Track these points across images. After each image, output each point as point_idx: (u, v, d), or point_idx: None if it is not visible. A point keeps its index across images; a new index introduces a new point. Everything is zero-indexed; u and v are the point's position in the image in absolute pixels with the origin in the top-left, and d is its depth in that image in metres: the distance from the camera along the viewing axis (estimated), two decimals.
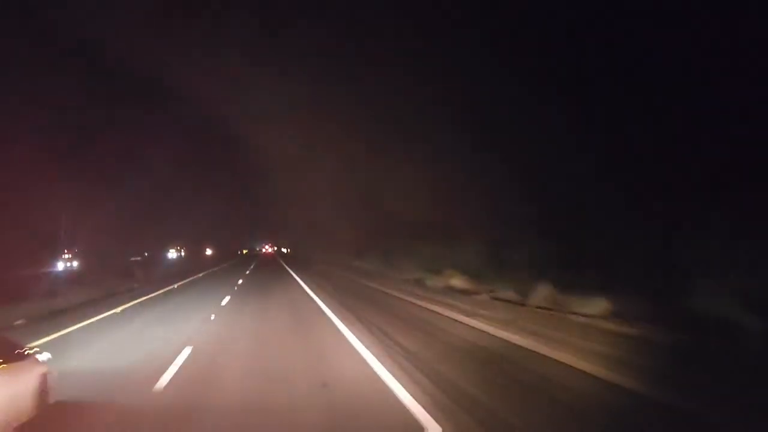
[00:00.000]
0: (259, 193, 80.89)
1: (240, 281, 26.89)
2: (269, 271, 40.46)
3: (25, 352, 5.96)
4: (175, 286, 24.65)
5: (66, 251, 35.54)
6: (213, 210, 75.19)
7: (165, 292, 21.89)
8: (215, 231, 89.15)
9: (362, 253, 39.06)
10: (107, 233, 40.95)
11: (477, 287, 16.97)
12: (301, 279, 27.74)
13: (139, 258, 46.09)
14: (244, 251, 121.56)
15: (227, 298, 17.75)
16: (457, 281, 18.32)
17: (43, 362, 6.20)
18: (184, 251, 71.66)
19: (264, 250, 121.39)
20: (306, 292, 20.15)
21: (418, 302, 14.72)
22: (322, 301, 16.66)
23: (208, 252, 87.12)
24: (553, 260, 15.25)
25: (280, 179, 56.99)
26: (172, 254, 62.71)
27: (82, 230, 35.00)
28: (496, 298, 14.45)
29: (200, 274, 35.28)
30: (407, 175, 26.10)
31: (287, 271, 38.72)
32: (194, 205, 65.10)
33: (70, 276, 26.38)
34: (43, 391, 5.88)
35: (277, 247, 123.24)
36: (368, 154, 29.83)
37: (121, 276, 26.84)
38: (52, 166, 30.85)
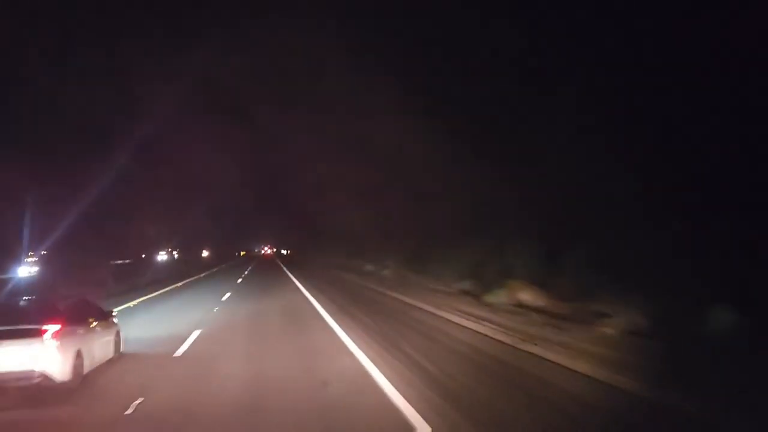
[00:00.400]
0: (259, 192, 76.10)
1: (227, 295, 20.87)
2: (267, 275, 36.75)
3: (110, 315, 9.30)
4: (138, 301, 19.39)
5: (31, 254, 30.15)
6: (211, 209, 68.81)
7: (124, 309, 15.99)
8: (213, 231, 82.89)
9: (372, 254, 33.86)
10: (92, 235, 35.12)
11: (563, 305, 11.77)
12: (305, 287, 23.60)
13: (127, 261, 40.30)
14: (242, 253, 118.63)
15: (195, 333, 11.50)
16: (528, 295, 13.14)
17: (117, 323, 9.43)
18: (178, 253, 65.62)
19: (263, 252, 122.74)
20: (316, 310, 15.49)
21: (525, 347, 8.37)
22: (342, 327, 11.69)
23: (205, 254, 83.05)
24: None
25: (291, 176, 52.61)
26: (162, 257, 56.30)
27: (54, 231, 29.47)
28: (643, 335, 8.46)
29: (186, 280, 31.50)
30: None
31: (287, 274, 36.09)
32: (191, 204, 59.13)
33: (19, 286, 21.07)
34: (117, 342, 9.22)
35: (276, 248, 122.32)
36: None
37: (89, 284, 21.82)
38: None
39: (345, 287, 23.55)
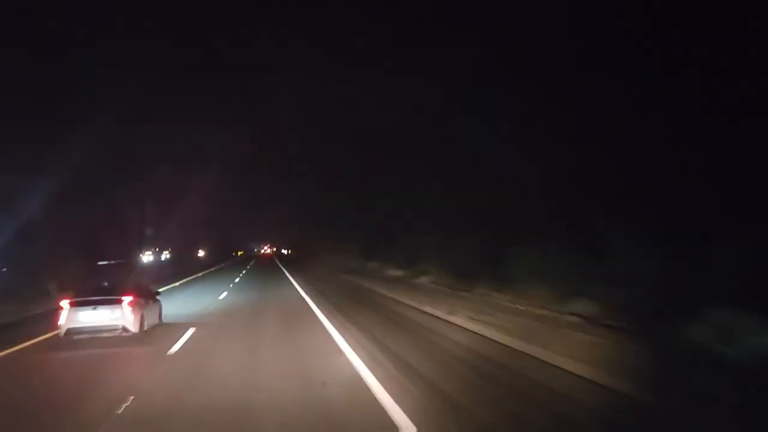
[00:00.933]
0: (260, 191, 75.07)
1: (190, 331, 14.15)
2: (266, 286, 28.39)
3: (156, 296, 14.02)
4: None
5: None
6: (207, 209, 64.38)
7: None
8: (210, 231, 79.88)
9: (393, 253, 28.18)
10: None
11: None
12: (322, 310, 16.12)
13: (111, 262, 34.25)
14: (239, 253, 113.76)
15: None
16: None
17: (160, 301, 14.18)
18: (170, 253, 61.21)
19: (263, 251, 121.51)
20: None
21: None
22: None
23: (201, 253, 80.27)
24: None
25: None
26: (147, 258, 50.92)
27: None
28: None
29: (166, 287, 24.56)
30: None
31: (289, 280, 31.52)
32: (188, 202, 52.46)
33: None
34: (160, 314, 13.93)
35: (276, 248, 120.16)
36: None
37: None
38: None
39: (377, 308, 15.98)
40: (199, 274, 40.75)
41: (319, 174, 45.32)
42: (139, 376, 8.46)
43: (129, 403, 6.41)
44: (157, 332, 12.56)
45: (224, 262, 70.20)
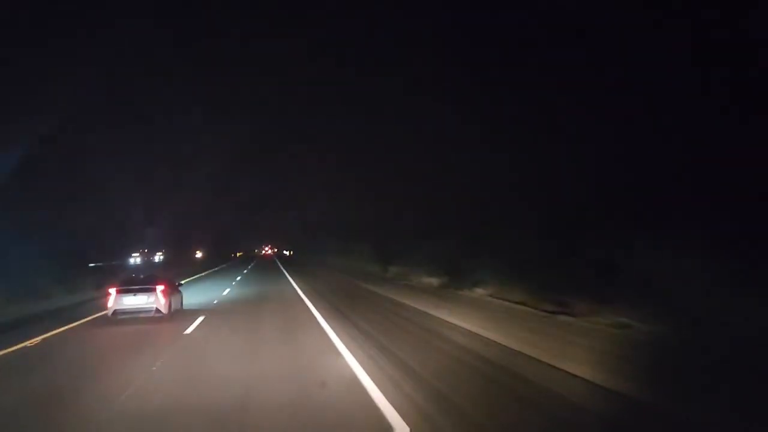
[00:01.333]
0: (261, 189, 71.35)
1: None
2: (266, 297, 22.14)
3: (179, 286, 17.35)
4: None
5: None
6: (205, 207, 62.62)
7: None
8: (208, 231, 77.78)
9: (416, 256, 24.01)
10: None
11: None
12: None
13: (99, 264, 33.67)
14: (239, 254, 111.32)
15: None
16: None
17: (181, 291, 17.30)
18: (164, 255, 59.56)
19: (264, 252, 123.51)
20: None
21: None
22: None
23: (198, 255, 78.28)
24: None
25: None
26: (135, 260, 48.63)
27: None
28: None
29: None
30: None
31: (295, 290, 24.38)
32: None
33: None
34: (181, 301, 17.13)
35: (278, 249, 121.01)
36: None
37: None
38: None
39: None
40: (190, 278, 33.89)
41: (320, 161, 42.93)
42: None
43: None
44: (178, 315, 15.72)
45: (223, 263, 64.18)
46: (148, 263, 50.89)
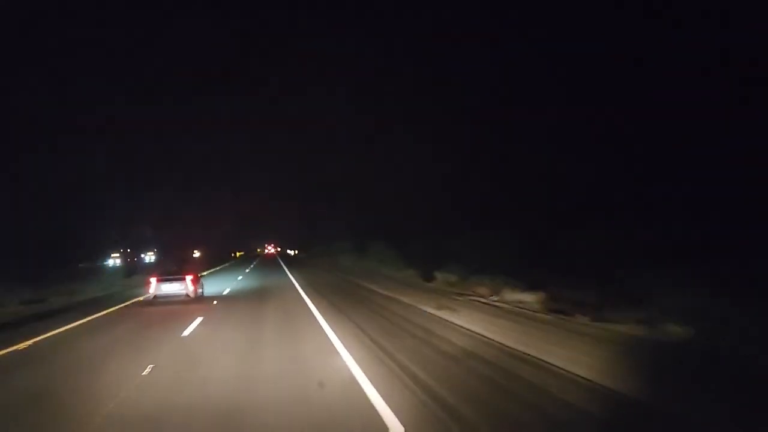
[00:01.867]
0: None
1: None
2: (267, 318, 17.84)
3: (201, 276, 21.43)
4: None
5: None
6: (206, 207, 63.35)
7: None
8: (208, 230, 74.68)
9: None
10: None
11: None
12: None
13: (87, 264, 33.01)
14: (239, 254, 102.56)
15: None
16: None
17: (202, 280, 21.30)
18: (155, 255, 56.69)
19: (266, 251, 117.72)
20: None
21: None
22: None
23: (196, 254, 73.26)
24: None
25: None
26: (114, 262, 44.80)
27: None
28: None
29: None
30: None
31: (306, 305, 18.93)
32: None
33: None
34: (203, 289, 20.99)
35: (281, 248, 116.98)
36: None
37: None
38: None
39: None
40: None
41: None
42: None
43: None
44: (204, 298, 20.24)
45: (220, 264, 58.25)
46: (130, 266, 43.67)
